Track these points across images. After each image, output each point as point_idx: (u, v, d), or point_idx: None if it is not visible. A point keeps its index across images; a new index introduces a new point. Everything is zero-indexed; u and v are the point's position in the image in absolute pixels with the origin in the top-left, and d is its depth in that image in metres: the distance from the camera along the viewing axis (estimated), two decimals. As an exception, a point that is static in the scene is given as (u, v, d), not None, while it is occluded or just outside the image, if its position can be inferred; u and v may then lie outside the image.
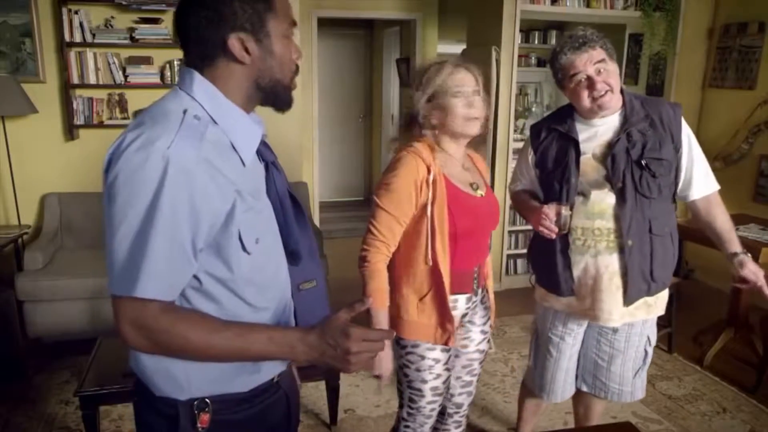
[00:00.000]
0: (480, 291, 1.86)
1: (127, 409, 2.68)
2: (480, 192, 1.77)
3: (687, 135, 1.94)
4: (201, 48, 1.05)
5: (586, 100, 1.87)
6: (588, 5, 4.26)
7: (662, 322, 3.30)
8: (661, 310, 2.08)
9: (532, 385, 2.32)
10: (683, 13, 4.39)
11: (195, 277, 1.03)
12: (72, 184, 3.83)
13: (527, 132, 5.49)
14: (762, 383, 3.05)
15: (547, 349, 2.18)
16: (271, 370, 1.16)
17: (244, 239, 1.03)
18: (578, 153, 1.92)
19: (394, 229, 1.66)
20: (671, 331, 3.41)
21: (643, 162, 1.87)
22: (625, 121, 1.90)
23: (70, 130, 3.81)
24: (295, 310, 1.21)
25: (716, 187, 1.99)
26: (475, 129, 1.70)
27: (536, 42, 5.44)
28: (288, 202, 1.18)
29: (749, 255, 1.93)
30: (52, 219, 3.80)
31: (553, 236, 1.83)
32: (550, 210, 1.80)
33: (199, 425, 1.07)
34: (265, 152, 1.16)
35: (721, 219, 1.98)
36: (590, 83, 1.83)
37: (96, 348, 2.53)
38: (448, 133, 1.71)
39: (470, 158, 1.85)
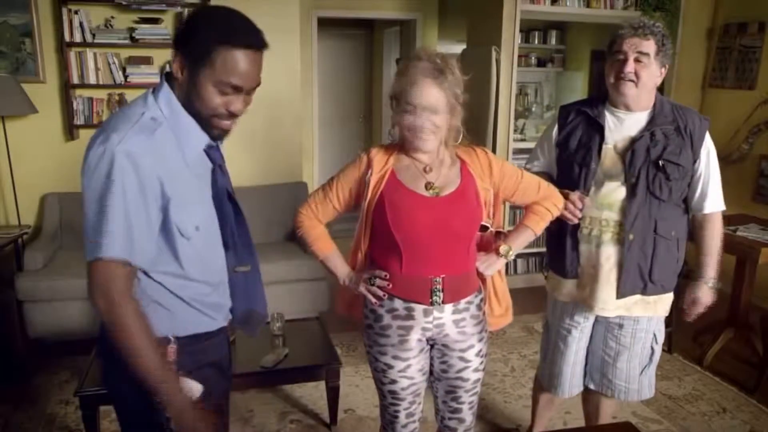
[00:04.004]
0: (449, 309, 1.70)
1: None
2: (434, 192, 1.64)
3: (708, 149, 1.97)
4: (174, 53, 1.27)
5: (610, 77, 1.93)
6: (588, 5, 4.26)
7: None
8: (662, 312, 2.08)
9: (542, 379, 2.36)
10: (683, 13, 4.39)
11: (150, 277, 1.26)
12: (72, 184, 3.81)
13: (527, 132, 5.49)
14: (762, 383, 3.05)
15: (555, 342, 2.22)
16: (208, 326, 1.40)
17: (181, 227, 1.24)
18: (602, 140, 1.97)
19: (326, 207, 1.77)
20: (671, 331, 3.40)
21: (661, 163, 1.90)
22: (652, 120, 1.94)
23: (70, 130, 3.81)
24: (232, 290, 1.44)
25: (723, 207, 2.02)
26: (423, 144, 1.62)
27: (536, 42, 5.45)
28: (227, 202, 1.37)
29: (717, 287, 2.04)
30: (52, 219, 3.80)
31: (576, 221, 1.92)
32: (575, 197, 1.89)
33: (168, 357, 1.29)
34: (215, 155, 1.34)
35: (715, 241, 2.03)
36: (622, 64, 1.88)
37: (96, 348, 2.53)
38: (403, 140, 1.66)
39: (460, 160, 1.71)
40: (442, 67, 1.58)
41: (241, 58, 1.21)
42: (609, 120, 1.98)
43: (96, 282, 1.17)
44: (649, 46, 1.86)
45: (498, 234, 1.81)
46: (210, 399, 1.38)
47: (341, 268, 1.80)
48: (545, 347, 2.32)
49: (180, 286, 1.31)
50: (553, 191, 1.87)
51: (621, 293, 1.98)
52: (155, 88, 1.29)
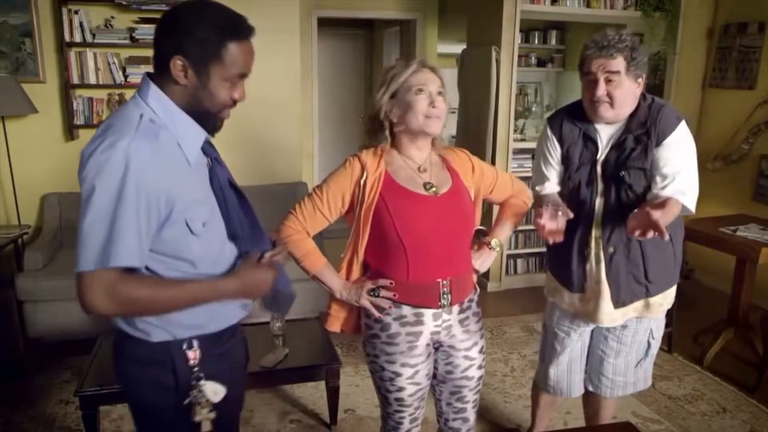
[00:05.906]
0: (455, 310, 1.72)
1: (127, 408, 2.68)
2: (434, 191, 1.66)
3: (678, 141, 1.84)
4: (157, 59, 1.26)
5: (585, 100, 1.89)
6: (588, 5, 4.26)
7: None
8: (668, 305, 2.07)
9: (539, 380, 2.35)
10: (683, 13, 4.38)
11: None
12: (72, 184, 3.76)
13: (527, 132, 5.47)
14: (762, 383, 3.05)
15: (552, 344, 2.22)
16: (233, 317, 1.43)
17: (190, 224, 1.26)
18: (596, 156, 1.93)
19: (315, 217, 1.70)
20: (671, 331, 3.41)
21: (621, 173, 1.86)
22: (626, 129, 1.89)
23: (70, 130, 3.81)
24: None
25: (691, 209, 1.83)
26: (434, 127, 1.64)
27: (536, 42, 5.45)
28: (230, 192, 1.38)
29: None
30: (52, 219, 3.80)
31: (550, 239, 1.76)
32: (545, 210, 1.74)
33: (191, 361, 1.32)
34: (209, 150, 1.37)
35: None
36: (594, 87, 1.83)
37: (96, 348, 2.53)
38: (407, 132, 1.66)
39: (442, 159, 1.76)
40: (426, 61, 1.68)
41: (247, 48, 1.28)
42: (595, 133, 1.93)
43: (98, 288, 1.15)
44: (618, 64, 1.78)
45: (478, 231, 1.81)
46: (233, 401, 1.42)
47: (335, 282, 1.75)
48: (542, 348, 2.31)
49: None
50: (524, 186, 1.93)
51: (620, 303, 1.97)
52: (140, 90, 1.28)
